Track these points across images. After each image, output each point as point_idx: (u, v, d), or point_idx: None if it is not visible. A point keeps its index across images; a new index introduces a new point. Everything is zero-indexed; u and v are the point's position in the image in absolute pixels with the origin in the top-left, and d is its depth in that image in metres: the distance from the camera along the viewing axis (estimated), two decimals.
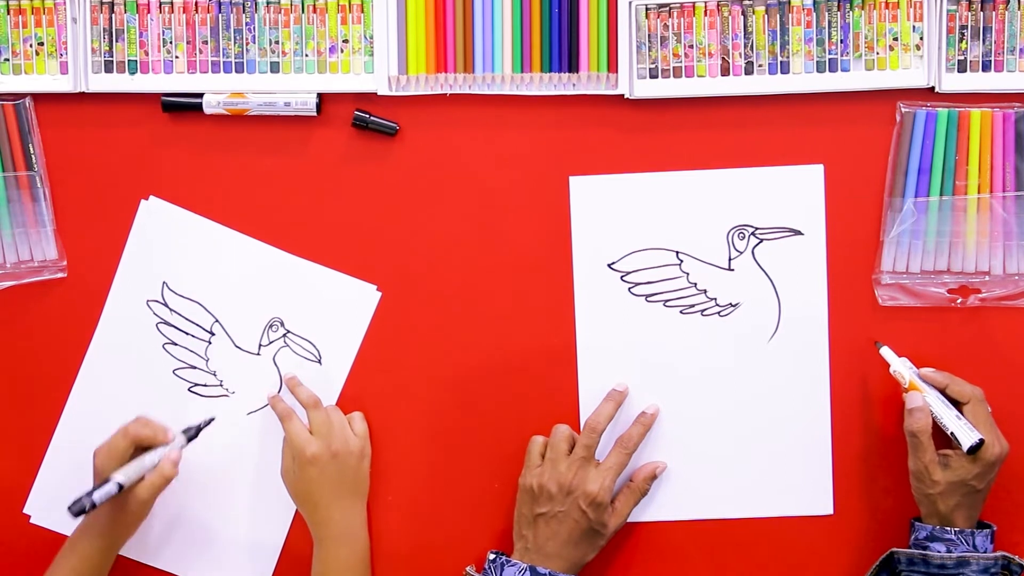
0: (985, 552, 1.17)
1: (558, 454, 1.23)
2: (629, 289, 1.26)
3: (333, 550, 1.23)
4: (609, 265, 1.26)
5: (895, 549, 1.20)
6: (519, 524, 1.23)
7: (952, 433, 1.17)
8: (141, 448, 1.20)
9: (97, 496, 1.14)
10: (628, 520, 1.25)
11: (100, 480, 1.17)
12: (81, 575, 1.20)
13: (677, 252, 1.26)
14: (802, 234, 1.26)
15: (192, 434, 1.23)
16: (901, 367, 1.22)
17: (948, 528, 1.17)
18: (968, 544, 1.17)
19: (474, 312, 1.27)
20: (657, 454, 1.27)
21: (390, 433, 1.28)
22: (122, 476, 1.16)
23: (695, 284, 1.26)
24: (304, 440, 1.23)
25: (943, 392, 1.21)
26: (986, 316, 1.26)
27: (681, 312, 1.26)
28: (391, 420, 1.28)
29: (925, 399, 1.19)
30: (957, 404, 1.20)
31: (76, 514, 1.13)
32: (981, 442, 1.16)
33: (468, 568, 1.24)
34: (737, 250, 1.26)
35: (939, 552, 1.17)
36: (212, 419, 1.24)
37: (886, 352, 1.23)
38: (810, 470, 1.26)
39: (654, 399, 1.26)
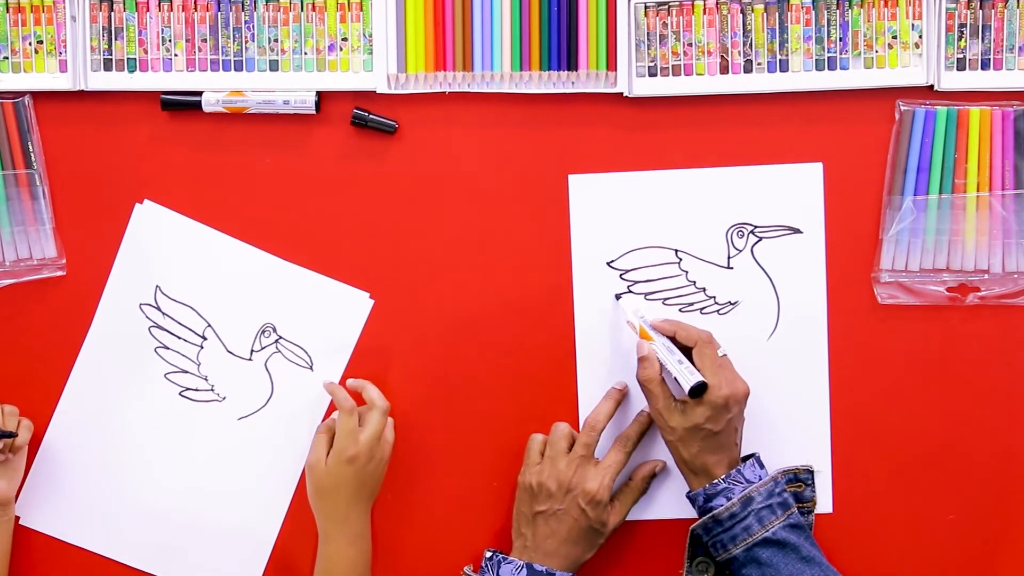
0: (760, 480, 1.18)
1: (557, 452, 1.23)
2: (628, 287, 1.26)
3: (344, 549, 1.22)
4: (608, 263, 1.26)
5: (692, 526, 1.19)
6: (518, 522, 1.23)
7: (675, 378, 1.17)
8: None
9: None
10: (627, 519, 1.25)
11: None
12: None
13: (676, 250, 1.26)
14: (801, 232, 1.26)
15: None
16: (633, 316, 1.23)
17: (716, 481, 1.17)
18: (741, 482, 1.17)
19: (472, 311, 1.27)
20: (656, 453, 1.27)
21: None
22: None
23: (694, 282, 1.26)
24: (352, 440, 1.22)
25: (673, 339, 1.20)
26: (985, 314, 1.25)
27: (680, 310, 1.26)
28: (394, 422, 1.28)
29: (651, 347, 1.19)
30: (688, 350, 1.20)
31: None
32: (702, 384, 1.15)
33: (466, 568, 1.24)
34: (736, 248, 1.26)
35: (722, 505, 1.16)
36: (14, 434, 1.23)
37: (623, 302, 1.24)
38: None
39: None
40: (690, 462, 1.18)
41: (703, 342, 1.19)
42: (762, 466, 1.19)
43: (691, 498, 1.19)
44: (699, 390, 1.15)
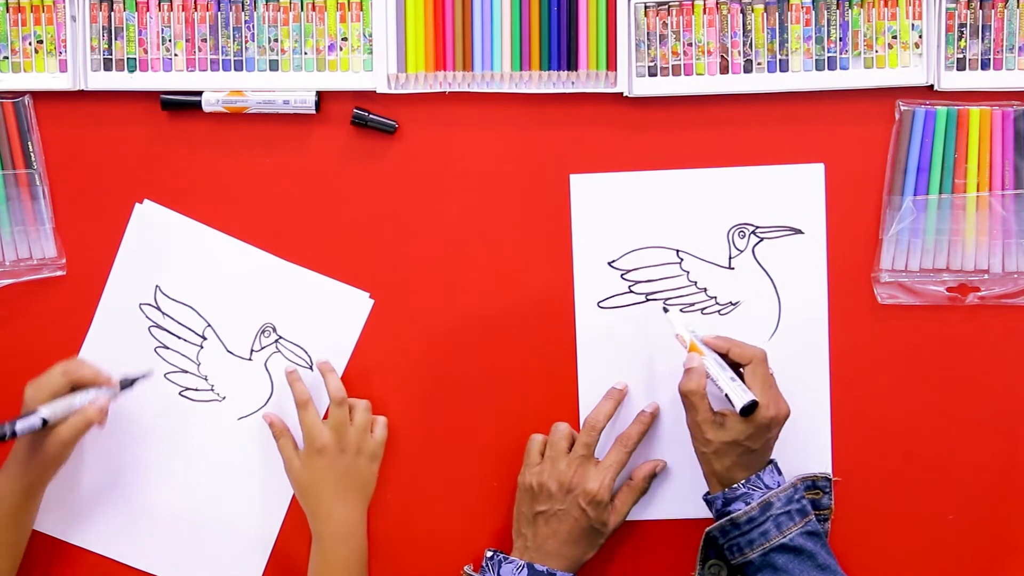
0: (779, 486, 1.17)
1: (558, 452, 1.23)
2: (630, 287, 1.26)
3: (333, 548, 1.23)
4: (609, 263, 1.26)
5: (708, 528, 1.19)
6: (518, 522, 1.23)
7: (726, 395, 1.16)
8: (76, 389, 1.19)
9: (19, 426, 1.12)
10: (627, 518, 1.25)
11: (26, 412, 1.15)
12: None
13: (677, 250, 1.26)
14: (802, 233, 1.26)
15: (127, 384, 1.22)
16: (683, 330, 1.22)
17: (735, 485, 1.17)
18: (760, 487, 1.17)
19: (473, 311, 1.27)
20: (656, 452, 1.27)
21: (388, 432, 1.28)
22: (47, 411, 1.14)
23: (695, 283, 1.26)
24: (317, 429, 1.23)
25: (725, 356, 1.20)
26: (985, 314, 1.26)
27: (681, 311, 1.26)
28: (388, 419, 1.28)
29: (702, 361, 1.19)
30: (739, 367, 1.19)
31: None
32: (754, 403, 1.15)
33: (466, 568, 1.24)
34: (737, 249, 1.26)
35: (740, 509, 1.16)
36: (151, 371, 1.25)
37: (671, 316, 1.24)
38: (810, 469, 1.25)
39: (654, 398, 1.26)
40: (720, 474, 1.17)
41: (758, 360, 1.18)
42: (779, 472, 1.19)
43: (709, 501, 1.19)
44: (751, 409, 1.15)
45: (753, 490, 1.16)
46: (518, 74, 1.25)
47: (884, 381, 1.26)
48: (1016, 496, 1.26)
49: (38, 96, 1.27)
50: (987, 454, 1.26)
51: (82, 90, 1.26)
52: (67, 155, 1.27)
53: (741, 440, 1.15)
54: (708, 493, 1.19)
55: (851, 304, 1.26)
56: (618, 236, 1.26)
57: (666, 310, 1.25)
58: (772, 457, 1.21)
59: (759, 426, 1.15)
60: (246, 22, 1.26)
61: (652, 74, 1.25)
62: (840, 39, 1.24)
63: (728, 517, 1.16)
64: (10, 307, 1.28)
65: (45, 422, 1.14)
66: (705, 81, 1.25)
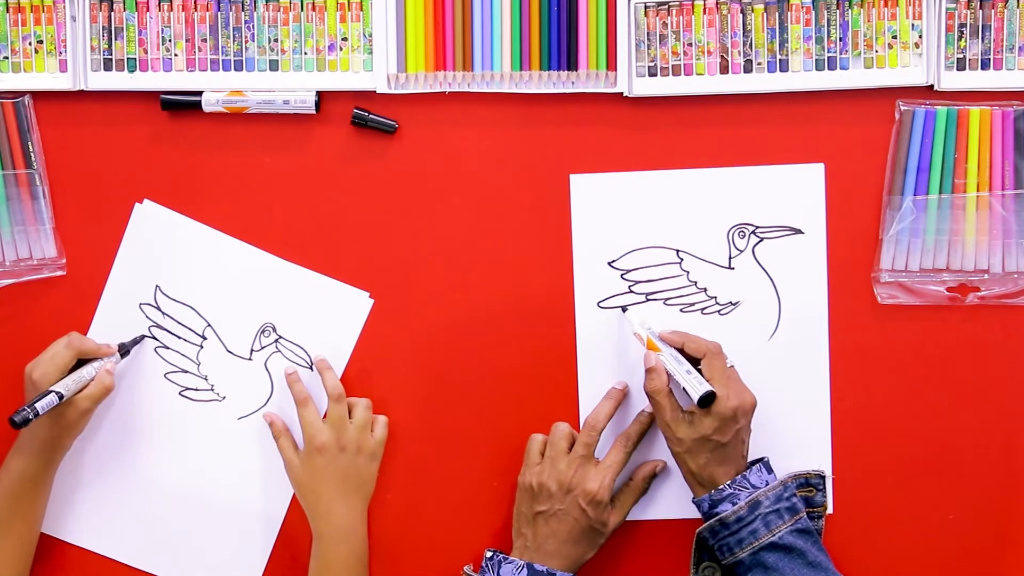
0: (767, 485, 1.17)
1: (558, 452, 1.23)
2: (630, 287, 1.26)
3: (333, 547, 1.23)
4: (609, 263, 1.26)
5: (699, 529, 1.19)
6: (518, 522, 1.23)
7: (684, 389, 1.17)
8: (80, 362, 1.23)
9: (40, 406, 1.16)
10: (628, 518, 1.25)
11: (37, 393, 1.18)
12: (19, 498, 1.21)
13: (677, 250, 1.26)
14: (802, 233, 1.26)
15: (125, 352, 1.26)
16: (640, 328, 1.23)
17: (721, 487, 1.17)
18: (746, 487, 1.17)
19: (473, 311, 1.27)
20: (656, 452, 1.27)
21: (388, 432, 1.28)
22: (62, 387, 1.19)
23: (695, 282, 1.26)
24: (316, 428, 1.23)
25: (681, 350, 1.21)
26: (985, 314, 1.26)
27: (681, 311, 1.26)
28: (388, 419, 1.28)
29: (659, 358, 1.19)
30: (696, 361, 1.20)
31: (20, 425, 1.15)
32: (711, 394, 1.15)
33: (466, 568, 1.24)
34: (737, 249, 1.26)
35: (728, 510, 1.16)
36: (144, 336, 1.27)
37: (630, 315, 1.24)
38: (809, 468, 1.25)
39: None
40: (697, 474, 1.18)
41: (712, 353, 1.19)
42: (770, 471, 1.19)
43: (697, 504, 1.19)
44: (708, 400, 1.15)
45: (739, 490, 1.16)
46: (518, 74, 1.25)
47: (884, 381, 1.26)
48: (1016, 496, 1.26)
49: (38, 96, 1.27)
50: (987, 454, 1.26)
51: (82, 90, 1.26)
52: (67, 155, 1.27)
53: (710, 435, 1.16)
54: (695, 498, 1.19)
55: (851, 304, 1.26)
56: (618, 236, 1.26)
57: (624, 310, 1.25)
58: (764, 456, 1.21)
59: (724, 418, 1.16)
60: (246, 22, 1.26)
61: (652, 74, 1.25)
62: (840, 39, 1.24)
63: (717, 517, 1.16)
64: (10, 307, 1.28)
65: (61, 397, 1.18)
66: (705, 81, 1.25)
